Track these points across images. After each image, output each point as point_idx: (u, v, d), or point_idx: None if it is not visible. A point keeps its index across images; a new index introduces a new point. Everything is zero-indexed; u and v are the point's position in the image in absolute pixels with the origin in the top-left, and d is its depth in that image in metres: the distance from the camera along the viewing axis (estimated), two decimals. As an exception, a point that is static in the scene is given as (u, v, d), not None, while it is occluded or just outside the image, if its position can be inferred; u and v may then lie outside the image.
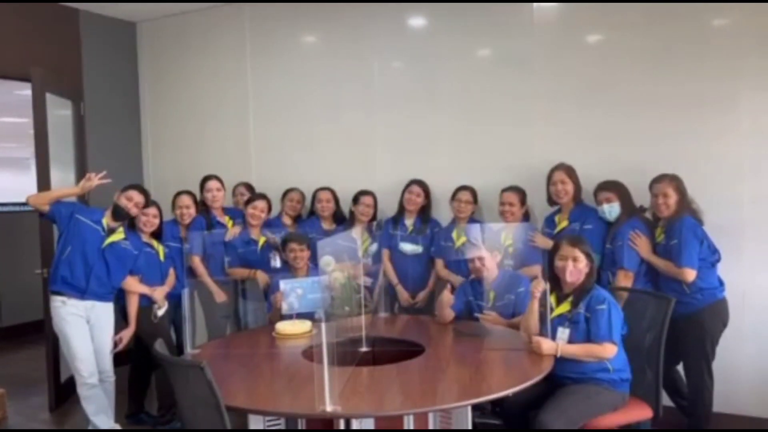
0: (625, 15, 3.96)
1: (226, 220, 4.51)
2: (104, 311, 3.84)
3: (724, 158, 3.73)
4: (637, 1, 3.90)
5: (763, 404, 3.69)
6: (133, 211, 3.86)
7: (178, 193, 4.43)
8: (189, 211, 4.35)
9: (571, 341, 2.95)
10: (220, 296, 4.32)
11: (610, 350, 2.89)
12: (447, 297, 3.61)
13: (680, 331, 3.38)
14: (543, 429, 2.75)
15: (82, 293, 3.73)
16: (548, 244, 3.76)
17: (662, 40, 3.88)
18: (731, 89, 3.73)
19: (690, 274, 3.39)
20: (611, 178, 3.76)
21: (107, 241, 3.80)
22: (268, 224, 4.45)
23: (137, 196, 3.86)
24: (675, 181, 3.53)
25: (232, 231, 4.38)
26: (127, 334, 3.96)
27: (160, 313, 4.04)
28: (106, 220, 3.83)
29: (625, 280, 3.56)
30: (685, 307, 3.34)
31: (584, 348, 2.92)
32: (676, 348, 3.42)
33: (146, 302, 4.02)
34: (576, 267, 3.02)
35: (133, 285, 3.95)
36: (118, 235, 3.85)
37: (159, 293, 4.05)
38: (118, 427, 3.89)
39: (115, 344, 3.92)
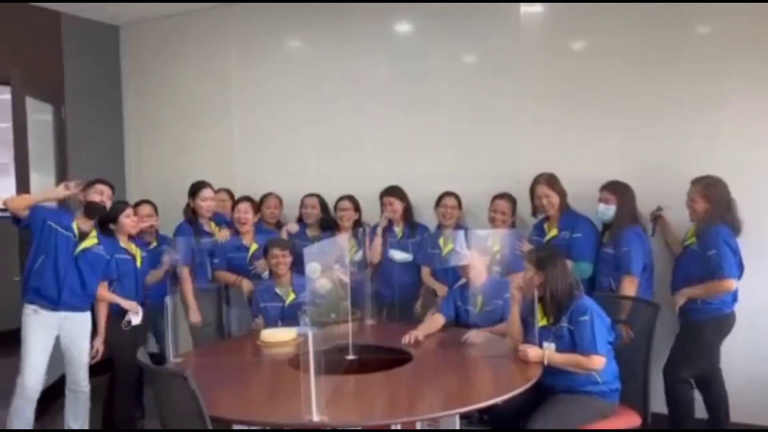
0: (611, 18, 3.97)
1: (212, 226, 4.42)
2: (79, 322, 3.70)
3: (709, 161, 3.70)
4: (624, 1, 3.91)
5: (754, 412, 3.67)
6: (107, 202, 3.71)
7: (138, 203, 4.29)
8: (151, 220, 4.27)
9: None
10: (195, 316, 4.20)
11: (597, 362, 2.85)
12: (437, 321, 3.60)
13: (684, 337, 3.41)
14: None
15: (56, 305, 3.59)
16: (535, 254, 3.74)
17: (648, 44, 3.90)
18: (716, 92, 3.75)
19: (731, 284, 3.29)
20: (597, 182, 3.75)
21: (80, 248, 3.63)
22: (259, 232, 4.39)
23: (107, 189, 3.72)
24: (707, 188, 3.40)
25: (222, 234, 4.31)
26: (99, 343, 3.80)
27: (135, 321, 3.85)
28: (77, 223, 3.65)
29: (630, 286, 3.51)
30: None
31: (571, 358, 2.88)
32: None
33: (116, 309, 3.85)
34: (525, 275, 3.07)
35: (103, 294, 3.78)
36: (91, 241, 3.68)
37: (131, 303, 3.85)
38: None
39: (93, 356, 3.79)
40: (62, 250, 3.59)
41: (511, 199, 4.06)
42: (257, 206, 4.45)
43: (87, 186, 3.71)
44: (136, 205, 4.31)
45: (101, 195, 3.69)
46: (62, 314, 3.63)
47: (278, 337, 3.44)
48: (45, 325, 3.60)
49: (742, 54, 3.69)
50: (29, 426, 3.64)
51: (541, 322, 3.02)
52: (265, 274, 4.10)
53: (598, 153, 4.04)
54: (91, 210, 3.69)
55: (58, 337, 3.67)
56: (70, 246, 3.61)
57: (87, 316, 3.76)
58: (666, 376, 3.51)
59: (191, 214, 4.34)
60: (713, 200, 3.39)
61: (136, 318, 3.87)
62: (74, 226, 3.65)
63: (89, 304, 3.76)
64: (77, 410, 3.75)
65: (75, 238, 3.64)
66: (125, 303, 3.84)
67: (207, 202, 4.31)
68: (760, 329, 3.67)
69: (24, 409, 3.59)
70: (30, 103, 4.52)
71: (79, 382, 3.74)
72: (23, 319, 3.63)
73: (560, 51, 4.17)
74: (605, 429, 2.94)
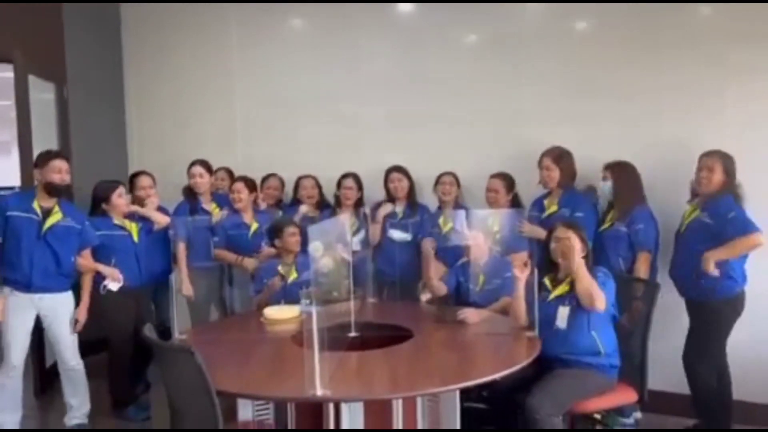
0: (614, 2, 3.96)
1: (212, 207, 4.45)
2: (57, 302, 3.64)
3: (711, 142, 3.69)
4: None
5: (755, 389, 3.70)
6: (66, 179, 3.58)
7: (136, 174, 4.35)
8: (151, 191, 4.27)
9: (571, 319, 2.99)
10: (187, 290, 4.25)
11: (601, 300, 2.90)
12: (428, 251, 3.59)
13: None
14: (530, 412, 2.78)
15: (28, 287, 3.54)
16: (536, 232, 3.77)
17: (651, 26, 3.89)
18: (718, 74, 3.75)
19: (760, 238, 3.22)
20: (599, 163, 3.78)
21: (46, 226, 3.53)
22: (258, 212, 4.42)
23: (64, 164, 3.57)
24: (727, 160, 3.38)
25: (220, 213, 4.35)
26: (80, 313, 3.72)
27: (111, 287, 3.85)
28: (38, 202, 3.55)
29: (645, 263, 3.56)
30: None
31: (591, 280, 2.93)
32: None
33: (100, 280, 3.86)
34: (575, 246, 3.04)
35: (83, 262, 3.73)
36: (55, 216, 3.57)
37: (111, 270, 3.86)
38: (86, 421, 3.83)
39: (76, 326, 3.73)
40: (25, 232, 3.51)
41: (506, 178, 4.07)
42: (253, 185, 4.44)
43: (41, 162, 3.57)
44: (134, 175, 4.34)
45: (59, 173, 3.54)
46: (36, 296, 3.58)
47: (282, 314, 3.48)
48: (21, 304, 3.57)
49: (743, 36, 3.69)
50: (17, 402, 3.67)
51: (556, 291, 3.08)
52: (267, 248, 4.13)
53: (599, 134, 4.04)
54: (53, 190, 3.56)
55: (40, 318, 3.66)
56: (33, 227, 3.52)
57: (67, 295, 3.70)
58: (688, 369, 3.51)
59: (189, 193, 4.40)
60: (730, 173, 3.38)
61: (113, 285, 3.86)
62: (35, 206, 3.55)
63: (68, 283, 3.69)
64: (74, 388, 3.78)
65: (38, 217, 3.54)
66: (104, 269, 3.84)
67: (195, 179, 4.37)
68: (765, 309, 3.67)
69: (10, 386, 3.61)
70: (32, 81, 4.52)
71: (68, 361, 3.72)
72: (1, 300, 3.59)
73: (562, 33, 4.17)
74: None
